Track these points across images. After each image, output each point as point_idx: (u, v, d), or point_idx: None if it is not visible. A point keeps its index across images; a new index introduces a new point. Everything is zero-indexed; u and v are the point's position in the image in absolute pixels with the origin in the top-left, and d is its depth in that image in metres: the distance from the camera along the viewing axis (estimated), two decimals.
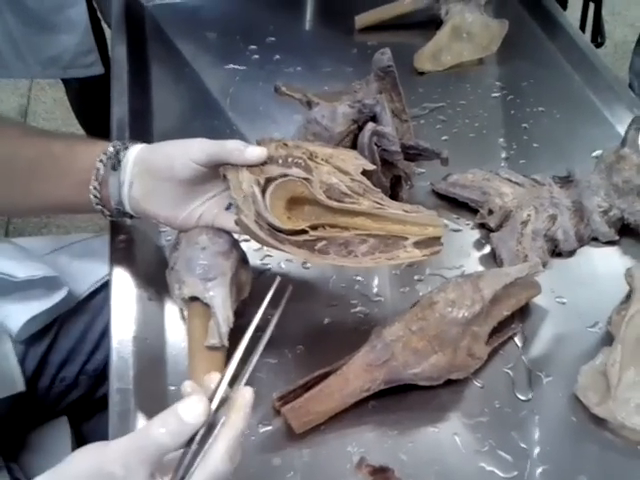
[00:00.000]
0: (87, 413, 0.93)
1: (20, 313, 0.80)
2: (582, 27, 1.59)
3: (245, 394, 0.50)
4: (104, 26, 1.50)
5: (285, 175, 0.64)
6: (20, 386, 0.81)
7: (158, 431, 0.46)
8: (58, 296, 0.81)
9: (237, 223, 0.64)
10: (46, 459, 0.86)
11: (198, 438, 0.47)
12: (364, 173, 0.67)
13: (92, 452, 0.47)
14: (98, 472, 0.46)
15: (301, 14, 1.18)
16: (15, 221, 1.97)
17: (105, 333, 0.87)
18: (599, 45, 1.60)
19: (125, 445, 0.46)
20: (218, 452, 0.47)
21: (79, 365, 0.88)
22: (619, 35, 2.58)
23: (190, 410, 0.47)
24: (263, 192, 0.64)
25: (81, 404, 0.91)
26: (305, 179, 0.64)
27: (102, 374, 0.89)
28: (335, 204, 0.64)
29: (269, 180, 0.64)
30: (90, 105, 1.67)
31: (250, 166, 0.64)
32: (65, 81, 1.60)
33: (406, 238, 0.63)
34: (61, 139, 0.73)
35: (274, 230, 0.62)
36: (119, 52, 1.03)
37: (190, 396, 0.48)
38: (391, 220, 0.64)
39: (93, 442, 0.48)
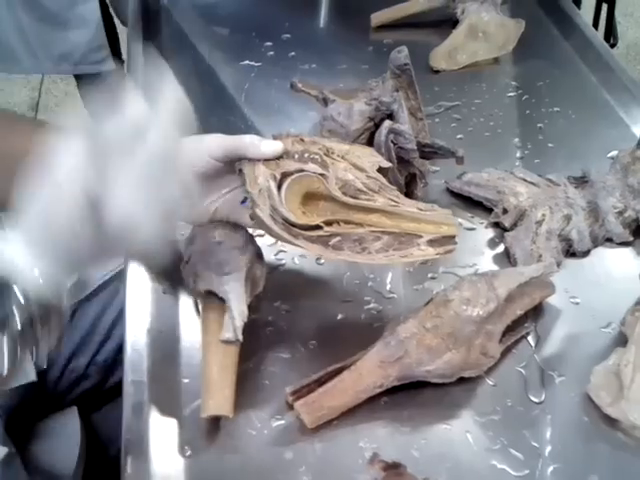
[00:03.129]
0: (97, 403, 0.94)
1: None
2: (595, 28, 1.59)
3: None
4: (116, 22, 1.51)
5: (301, 170, 0.65)
6: (32, 375, 0.82)
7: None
8: None
9: (252, 217, 0.64)
10: (56, 449, 0.87)
11: None
12: (380, 170, 0.67)
13: None
14: None
15: (317, 11, 1.18)
16: None
17: (116, 324, 0.88)
18: (612, 46, 1.60)
19: None
20: None
21: (89, 356, 0.89)
22: (632, 36, 2.57)
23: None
24: (279, 187, 0.64)
25: (91, 395, 0.92)
26: (321, 175, 0.64)
27: (112, 365, 0.90)
28: (350, 200, 0.64)
29: (285, 175, 0.64)
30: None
31: (266, 160, 0.65)
32: (77, 76, 1.61)
33: (420, 236, 0.63)
34: None
35: (288, 225, 0.63)
36: (135, 48, 1.03)
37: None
38: (406, 218, 0.64)
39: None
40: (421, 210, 0.64)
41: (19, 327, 0.48)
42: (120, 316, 0.85)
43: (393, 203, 0.64)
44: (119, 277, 0.87)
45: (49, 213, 0.49)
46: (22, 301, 0.48)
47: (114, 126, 0.50)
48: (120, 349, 0.85)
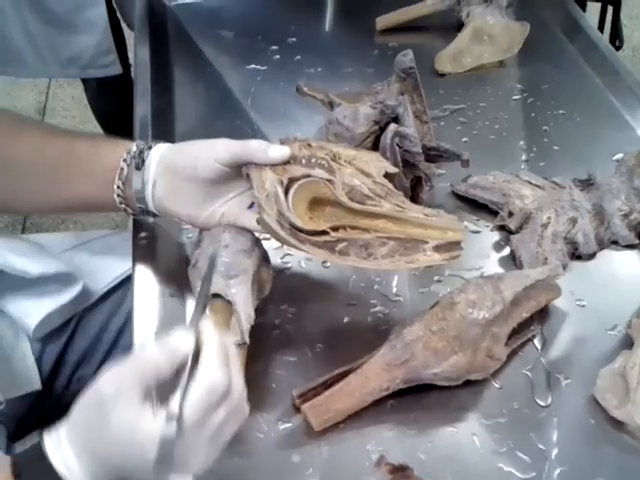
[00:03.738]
0: None
1: (36, 310, 0.80)
2: (600, 30, 1.59)
3: (204, 322, 0.54)
4: (123, 26, 1.52)
5: (308, 175, 0.65)
6: (36, 384, 0.82)
7: (152, 354, 0.50)
8: (73, 291, 0.82)
9: (259, 222, 0.64)
10: None
11: (187, 368, 0.50)
12: (386, 176, 0.67)
13: (93, 382, 0.50)
14: (92, 394, 0.50)
15: (322, 15, 1.19)
16: (32, 217, 1.99)
17: (122, 332, 0.88)
18: (617, 49, 1.59)
19: (118, 368, 0.50)
20: (206, 364, 0.51)
21: (96, 364, 0.88)
22: (637, 39, 2.57)
23: (179, 338, 0.51)
24: (286, 192, 0.64)
25: None
26: (328, 180, 0.65)
27: None
28: (357, 206, 0.64)
29: (292, 180, 0.65)
30: (108, 104, 1.68)
31: (273, 165, 0.65)
32: (84, 80, 1.61)
33: (426, 242, 0.63)
34: (84, 139, 0.73)
35: (295, 230, 0.63)
36: (142, 52, 1.04)
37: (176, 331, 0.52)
38: (412, 223, 0.64)
39: None
40: (427, 216, 0.64)
41: None
42: (126, 324, 0.86)
43: (399, 209, 0.64)
44: (125, 285, 0.87)
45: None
46: None
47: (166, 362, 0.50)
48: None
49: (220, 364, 0.51)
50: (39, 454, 0.50)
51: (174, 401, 0.49)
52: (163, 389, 0.50)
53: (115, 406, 0.48)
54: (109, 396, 0.48)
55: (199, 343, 0.52)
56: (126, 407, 0.48)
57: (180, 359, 0.50)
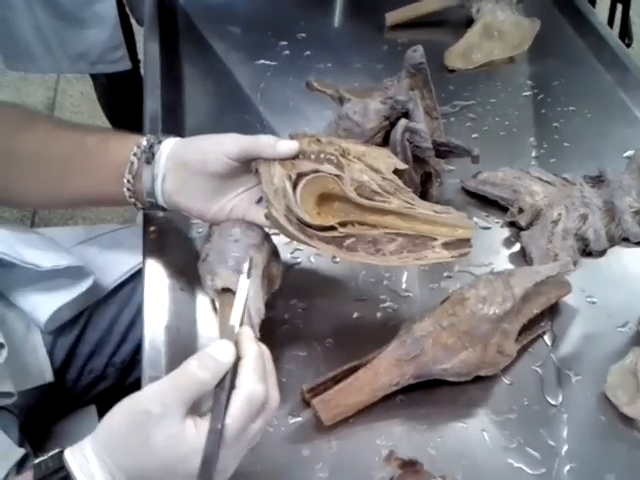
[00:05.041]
0: (115, 402, 0.94)
1: (47, 303, 0.81)
2: (609, 27, 1.58)
3: (245, 329, 0.54)
4: (132, 21, 1.52)
5: (317, 171, 0.65)
6: (49, 377, 0.82)
7: (196, 369, 0.49)
8: (84, 285, 0.82)
9: (267, 217, 0.64)
10: None
11: (227, 383, 0.50)
12: (395, 172, 0.67)
13: (128, 399, 0.49)
14: (133, 411, 0.49)
15: (332, 10, 1.18)
16: (41, 212, 2.00)
17: (132, 325, 0.88)
18: (627, 46, 1.59)
19: (162, 385, 0.49)
20: (246, 374, 0.50)
21: (107, 357, 0.89)
22: None
23: (221, 350, 0.51)
24: (294, 187, 0.64)
25: (109, 394, 0.92)
26: (337, 176, 0.65)
27: (130, 365, 0.90)
28: (365, 202, 0.64)
29: (300, 175, 0.65)
30: (117, 99, 1.68)
31: (282, 160, 0.65)
32: (93, 75, 1.61)
33: (435, 239, 0.63)
34: (94, 133, 0.73)
35: (303, 225, 0.63)
36: (151, 47, 1.04)
37: (216, 341, 0.52)
38: (421, 220, 0.64)
39: None
40: (436, 212, 0.64)
41: None
42: (137, 317, 0.86)
43: (408, 205, 0.64)
44: (135, 279, 0.87)
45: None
46: None
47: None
48: (137, 350, 0.85)
49: (260, 376, 0.51)
50: (60, 470, 0.49)
51: (215, 413, 0.49)
52: (202, 398, 0.50)
53: (159, 424, 0.48)
54: (155, 415, 0.48)
55: (238, 351, 0.52)
56: (170, 424, 0.48)
57: (223, 373, 0.50)
